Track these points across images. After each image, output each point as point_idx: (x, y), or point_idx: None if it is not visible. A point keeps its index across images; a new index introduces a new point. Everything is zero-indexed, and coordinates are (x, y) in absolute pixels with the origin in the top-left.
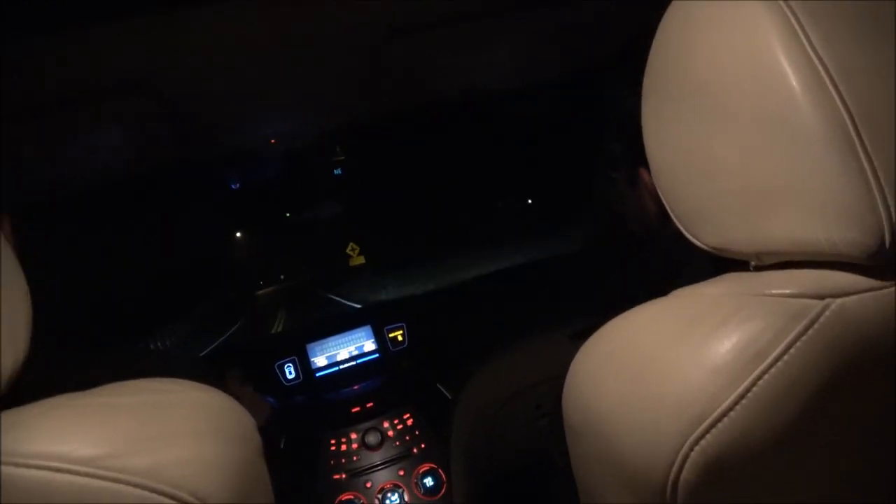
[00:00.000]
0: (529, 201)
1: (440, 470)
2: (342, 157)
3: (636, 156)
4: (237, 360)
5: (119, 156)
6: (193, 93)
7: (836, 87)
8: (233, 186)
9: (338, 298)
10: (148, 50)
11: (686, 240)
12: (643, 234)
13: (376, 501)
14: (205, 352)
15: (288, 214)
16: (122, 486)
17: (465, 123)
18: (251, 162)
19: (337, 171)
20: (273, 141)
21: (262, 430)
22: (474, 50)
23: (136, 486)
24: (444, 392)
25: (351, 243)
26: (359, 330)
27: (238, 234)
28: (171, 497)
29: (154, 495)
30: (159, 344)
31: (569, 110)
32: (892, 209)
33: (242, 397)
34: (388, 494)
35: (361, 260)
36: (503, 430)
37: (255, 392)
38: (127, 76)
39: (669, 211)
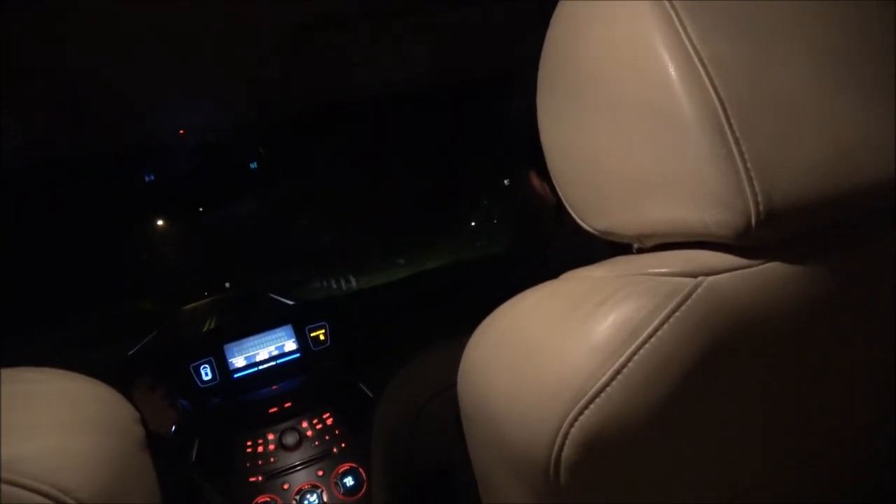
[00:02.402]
0: (446, 202)
1: (360, 469)
2: (259, 151)
3: (529, 158)
4: (148, 361)
5: (10, 143)
6: (93, 79)
7: (709, 77)
8: (147, 179)
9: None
10: (44, 32)
11: (583, 235)
12: (543, 232)
13: (293, 503)
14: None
15: (201, 209)
16: None
17: (380, 121)
18: (162, 154)
19: (253, 165)
20: (182, 132)
21: (174, 433)
22: (388, 47)
23: None
24: (366, 391)
25: None
26: (279, 329)
27: (150, 231)
28: (32, 490)
29: (13, 488)
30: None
31: (474, 112)
32: (759, 192)
33: (150, 402)
34: (307, 495)
35: None
36: (424, 429)
37: (166, 396)
38: (20, 60)
39: (563, 199)
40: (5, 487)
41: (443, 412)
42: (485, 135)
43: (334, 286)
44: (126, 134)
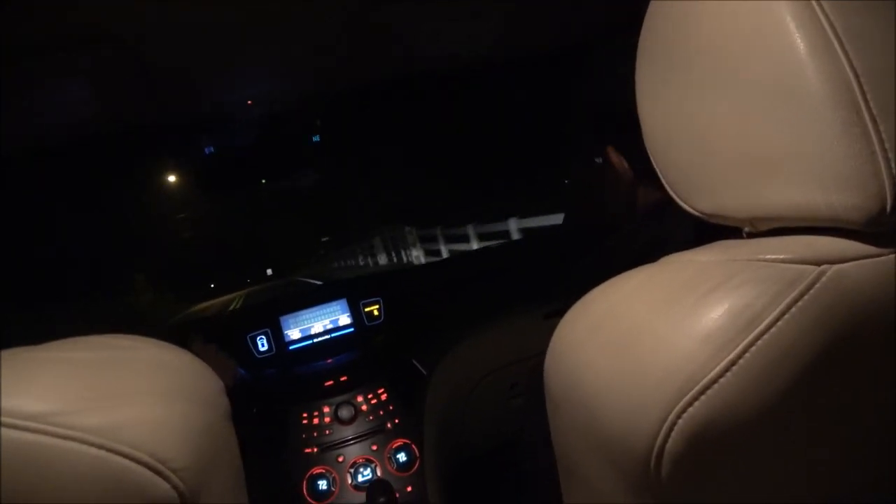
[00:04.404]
0: (509, 179)
1: (413, 446)
2: (318, 123)
3: (610, 134)
4: (207, 329)
5: (82, 112)
6: (166, 47)
7: (843, 49)
8: (207, 151)
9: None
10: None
11: (668, 217)
12: (615, 213)
13: (348, 476)
14: (173, 320)
15: (263, 181)
16: (73, 444)
17: (447, 95)
18: (225, 126)
19: (315, 139)
20: (250, 102)
21: (232, 397)
22: (458, 18)
23: (90, 444)
24: (420, 368)
25: None
26: (334, 303)
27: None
28: (129, 457)
29: (110, 455)
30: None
31: (546, 87)
32: None
33: (206, 358)
34: (361, 469)
35: None
36: (477, 407)
37: (221, 352)
38: (93, 26)
39: (661, 177)
40: (104, 454)
41: (496, 391)
42: (552, 110)
43: (390, 261)
44: (192, 104)
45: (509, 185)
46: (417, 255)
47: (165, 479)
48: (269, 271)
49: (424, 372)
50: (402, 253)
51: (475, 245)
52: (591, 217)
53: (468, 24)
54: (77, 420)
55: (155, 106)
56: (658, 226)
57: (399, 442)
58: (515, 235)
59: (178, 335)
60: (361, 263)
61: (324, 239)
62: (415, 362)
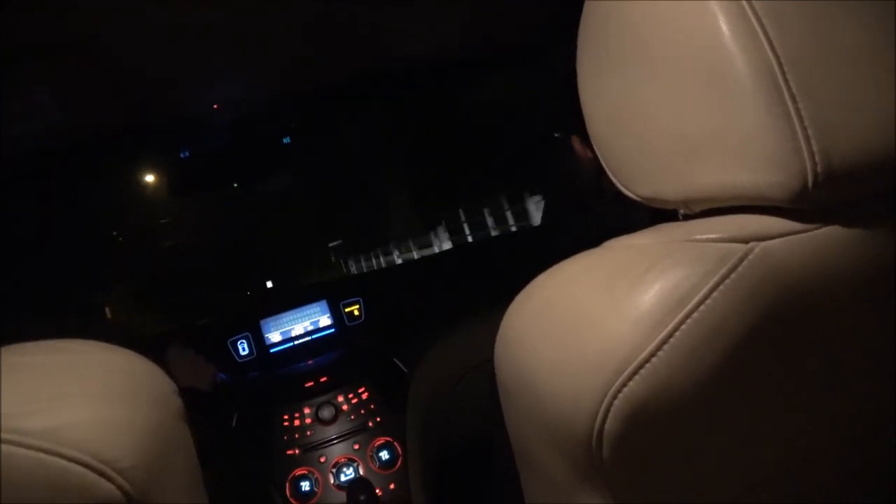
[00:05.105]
0: (487, 177)
1: (396, 443)
2: (292, 125)
3: (572, 122)
4: (187, 335)
5: (50, 120)
6: (133, 51)
7: (765, 32)
8: (182, 155)
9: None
10: (81, 8)
11: (624, 203)
12: (583, 202)
13: (331, 476)
14: (151, 329)
15: (235, 185)
16: (14, 448)
17: (417, 92)
18: (196, 129)
19: (286, 140)
20: (216, 106)
21: (213, 400)
22: (423, 16)
23: (29, 447)
24: (401, 366)
25: None
26: (314, 305)
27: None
28: (70, 459)
29: (50, 457)
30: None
31: (515, 83)
32: (816, 152)
33: (189, 375)
34: (343, 468)
35: None
36: (460, 403)
37: (204, 369)
38: (61, 33)
39: (604, 164)
40: (45, 457)
41: (477, 386)
42: (519, 104)
43: (368, 261)
44: (160, 110)
45: (484, 183)
46: (396, 255)
47: (109, 479)
48: (269, 283)
49: (406, 370)
50: (381, 253)
51: (448, 245)
52: (562, 202)
53: (434, 22)
54: (17, 423)
55: (123, 112)
56: (625, 211)
57: (381, 440)
58: (494, 232)
59: (158, 343)
60: (341, 264)
61: (303, 243)
62: (396, 360)
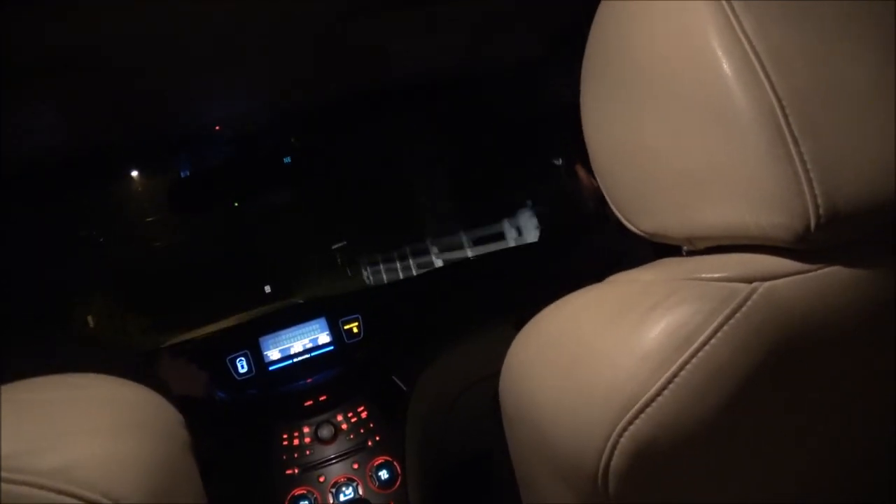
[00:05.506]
0: (482, 194)
1: (395, 462)
2: (293, 143)
3: (575, 148)
4: (186, 354)
5: (54, 136)
6: (136, 69)
7: (766, 73)
8: (182, 174)
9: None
10: (82, 25)
11: (626, 231)
12: (583, 226)
13: (330, 496)
14: (152, 349)
15: (236, 204)
16: (26, 489)
17: (416, 110)
18: (197, 148)
19: (287, 160)
20: (218, 128)
21: (211, 419)
22: (424, 34)
23: (41, 487)
24: (400, 384)
25: None
26: (313, 322)
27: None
28: (81, 498)
29: (62, 497)
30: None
31: (514, 99)
32: (819, 193)
33: (175, 375)
34: (342, 488)
35: None
36: (458, 421)
37: (203, 388)
38: (65, 49)
39: (607, 197)
40: (54, 496)
41: (476, 403)
42: (522, 122)
43: (367, 278)
44: (163, 128)
45: (487, 196)
46: (396, 271)
47: None
48: (267, 288)
49: (405, 388)
50: (381, 269)
51: (440, 261)
52: (560, 226)
53: (441, 37)
54: (29, 462)
55: (123, 129)
56: (625, 240)
57: (381, 459)
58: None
59: (154, 361)
60: (340, 281)
61: (303, 257)
62: (395, 378)
